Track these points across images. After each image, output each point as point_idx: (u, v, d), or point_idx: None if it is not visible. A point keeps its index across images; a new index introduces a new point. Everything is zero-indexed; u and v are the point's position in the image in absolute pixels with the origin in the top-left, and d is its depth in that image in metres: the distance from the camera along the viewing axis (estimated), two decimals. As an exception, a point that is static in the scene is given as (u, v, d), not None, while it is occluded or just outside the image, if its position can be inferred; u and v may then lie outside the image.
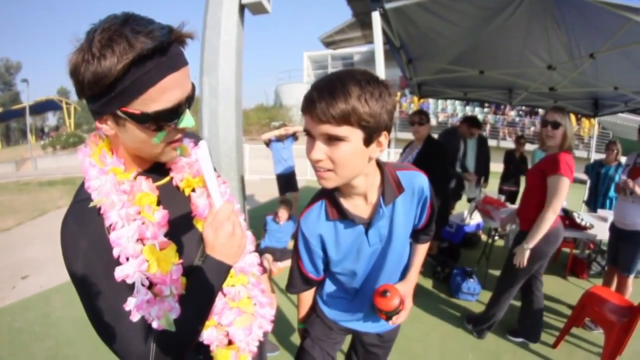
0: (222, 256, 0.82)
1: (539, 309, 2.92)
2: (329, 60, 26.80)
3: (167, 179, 0.94)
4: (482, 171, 5.16)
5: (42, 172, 15.76)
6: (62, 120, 30.95)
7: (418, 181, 1.23)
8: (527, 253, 2.52)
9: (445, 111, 19.91)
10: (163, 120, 0.75)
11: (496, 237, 4.34)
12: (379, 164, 1.19)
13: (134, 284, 0.78)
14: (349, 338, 1.69)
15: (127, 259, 0.78)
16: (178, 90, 0.75)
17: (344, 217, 1.19)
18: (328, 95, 0.90)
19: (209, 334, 1.02)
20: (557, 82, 4.74)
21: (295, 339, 2.92)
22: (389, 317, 1.28)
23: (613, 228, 3.25)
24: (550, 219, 2.44)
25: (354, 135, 0.94)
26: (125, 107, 0.71)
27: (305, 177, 9.47)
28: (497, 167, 6.20)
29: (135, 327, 0.79)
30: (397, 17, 3.06)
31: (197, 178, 0.98)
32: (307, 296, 1.56)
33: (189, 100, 0.80)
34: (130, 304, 0.78)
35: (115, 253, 0.77)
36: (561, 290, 2.90)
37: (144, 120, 0.74)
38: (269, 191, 8.19)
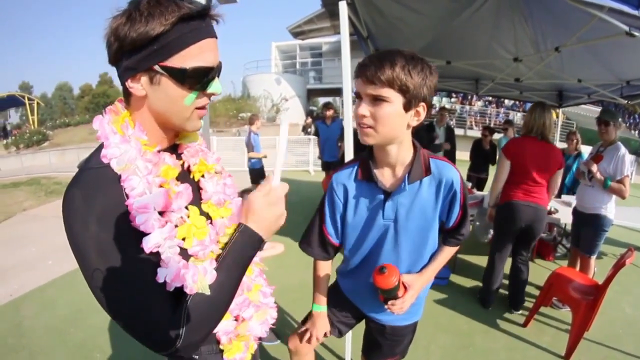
0: (262, 230, 0.81)
1: (496, 279, 3.32)
2: (297, 50, 26.53)
3: (181, 161, 0.94)
4: (449, 158, 5.27)
5: (5, 174, 14.90)
6: (25, 117, 29.13)
7: (448, 174, 1.30)
8: (487, 210, 3.40)
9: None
10: (198, 78, 0.79)
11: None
12: (415, 144, 1.30)
13: (152, 252, 0.75)
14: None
15: (154, 228, 0.75)
16: (213, 54, 0.81)
17: (370, 179, 1.30)
18: (377, 62, 1.08)
19: (225, 326, 1.00)
20: (522, 74, 4.86)
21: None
22: (385, 299, 1.35)
23: (575, 212, 3.40)
24: (492, 185, 3.23)
25: (395, 98, 1.10)
26: (164, 62, 0.75)
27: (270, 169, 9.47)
28: (463, 155, 6.39)
29: (162, 298, 0.76)
30: (365, 6, 3.05)
31: (211, 164, 1.01)
32: (323, 269, 1.56)
33: (219, 69, 0.84)
34: (164, 275, 0.75)
35: (138, 221, 0.74)
36: (529, 272, 3.03)
37: (181, 76, 0.76)
38: (237, 183, 8.08)
